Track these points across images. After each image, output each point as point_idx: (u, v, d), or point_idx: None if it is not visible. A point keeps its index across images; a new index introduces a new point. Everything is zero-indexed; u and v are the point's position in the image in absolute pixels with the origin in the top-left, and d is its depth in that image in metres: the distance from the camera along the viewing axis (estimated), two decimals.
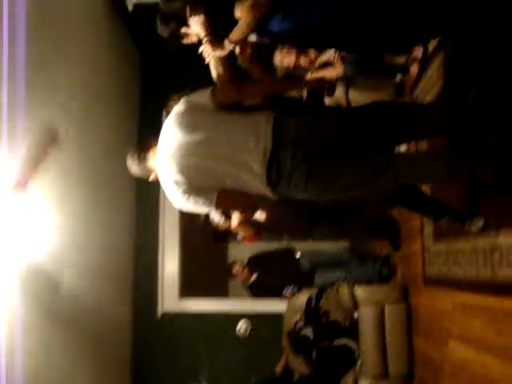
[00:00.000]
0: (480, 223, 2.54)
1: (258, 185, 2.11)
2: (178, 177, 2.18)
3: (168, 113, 2.54)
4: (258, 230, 4.44)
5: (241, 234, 4.45)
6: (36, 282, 3.42)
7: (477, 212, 2.56)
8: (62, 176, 3.75)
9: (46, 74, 3.55)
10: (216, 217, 4.15)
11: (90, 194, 4.22)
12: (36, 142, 3.28)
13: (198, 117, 2.23)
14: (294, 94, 4.35)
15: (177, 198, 2.23)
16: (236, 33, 2.28)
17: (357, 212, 4.32)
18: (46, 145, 3.39)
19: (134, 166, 2.45)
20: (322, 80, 2.44)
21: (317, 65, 3.78)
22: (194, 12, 2.35)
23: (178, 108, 2.28)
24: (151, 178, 2.44)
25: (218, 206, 2.18)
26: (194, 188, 2.17)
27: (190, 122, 2.21)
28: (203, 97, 2.26)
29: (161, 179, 2.31)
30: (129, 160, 2.46)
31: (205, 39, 2.42)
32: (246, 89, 2.25)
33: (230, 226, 4.26)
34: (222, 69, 2.33)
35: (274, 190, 2.11)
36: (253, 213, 2.42)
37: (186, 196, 2.18)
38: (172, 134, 2.24)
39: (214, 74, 2.40)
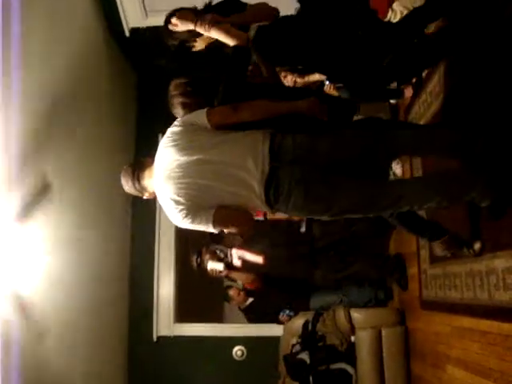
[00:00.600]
0: (477, 246, 2.54)
1: (256, 202, 2.13)
2: (176, 197, 2.18)
3: (172, 105, 2.80)
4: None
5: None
6: (32, 307, 3.39)
7: (477, 236, 2.56)
8: (57, 200, 3.75)
9: (43, 97, 3.57)
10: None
11: (85, 219, 4.21)
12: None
13: (194, 137, 2.23)
14: None
15: (176, 218, 2.23)
16: None
17: (360, 251, 4.38)
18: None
19: (128, 185, 2.44)
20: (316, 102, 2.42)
21: (307, 80, 3.85)
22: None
23: (174, 128, 2.29)
24: (145, 196, 2.44)
25: (215, 222, 2.16)
26: (192, 207, 2.17)
27: (186, 142, 2.22)
28: (199, 117, 2.26)
29: (159, 199, 2.31)
30: (123, 178, 2.45)
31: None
32: (243, 110, 2.24)
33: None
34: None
35: (272, 207, 2.15)
36: (248, 231, 2.40)
37: (185, 215, 2.18)
38: (168, 154, 2.23)
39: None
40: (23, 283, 3.32)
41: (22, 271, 3.30)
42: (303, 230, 4.48)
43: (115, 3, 4.78)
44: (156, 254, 5.48)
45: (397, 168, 4.12)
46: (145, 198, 2.47)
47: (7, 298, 3.15)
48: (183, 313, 5.66)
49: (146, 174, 2.37)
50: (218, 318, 6.25)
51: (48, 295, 3.57)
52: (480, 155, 2.13)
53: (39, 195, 3.42)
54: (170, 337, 5.40)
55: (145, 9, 4.94)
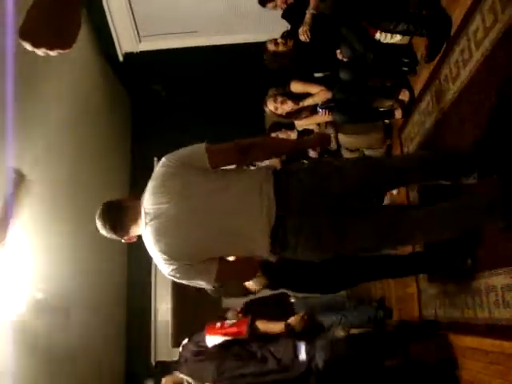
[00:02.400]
0: (469, 262, 2.56)
1: (260, 252, 1.98)
2: (166, 256, 1.92)
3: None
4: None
5: None
6: (27, 330, 3.35)
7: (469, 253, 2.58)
8: (52, 220, 3.73)
9: (37, 121, 3.58)
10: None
11: (80, 241, 4.18)
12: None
13: (189, 182, 1.93)
14: None
15: (168, 274, 1.99)
16: None
17: None
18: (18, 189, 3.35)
19: (105, 229, 2.05)
20: (321, 136, 2.44)
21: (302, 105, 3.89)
22: None
23: (165, 169, 1.96)
24: (124, 239, 2.11)
25: (217, 280, 1.95)
26: (184, 264, 1.92)
27: (179, 188, 1.92)
28: (196, 156, 1.96)
29: (150, 251, 2.00)
30: (98, 220, 2.06)
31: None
32: (251, 152, 2.02)
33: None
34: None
35: (278, 255, 2.02)
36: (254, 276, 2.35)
37: (176, 273, 1.94)
38: (160, 200, 1.92)
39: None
40: (19, 311, 3.29)
41: (16, 299, 3.27)
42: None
43: (108, 28, 4.83)
44: (153, 278, 5.44)
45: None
46: (123, 241, 2.13)
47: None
48: (181, 337, 5.60)
49: (131, 216, 2.00)
50: None
51: (44, 325, 3.53)
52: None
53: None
54: (168, 361, 5.33)
55: (138, 34, 5.00)
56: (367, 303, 4.65)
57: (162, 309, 5.47)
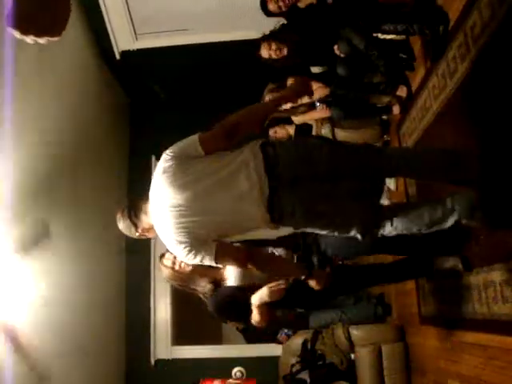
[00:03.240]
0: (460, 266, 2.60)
1: (260, 224, 2.08)
2: (177, 237, 2.10)
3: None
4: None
5: None
6: (26, 329, 3.35)
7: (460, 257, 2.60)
8: (50, 220, 3.73)
9: (35, 121, 3.57)
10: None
11: (79, 242, 4.19)
12: None
13: (187, 171, 2.11)
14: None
15: (180, 254, 2.16)
16: None
17: None
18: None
19: (125, 222, 2.33)
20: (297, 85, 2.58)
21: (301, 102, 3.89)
22: None
23: (166, 164, 2.15)
24: (139, 233, 2.35)
25: (217, 259, 2.11)
26: (194, 243, 2.10)
27: (180, 179, 2.10)
28: (191, 146, 2.15)
29: (159, 236, 2.20)
30: (118, 217, 2.35)
31: None
32: (240, 132, 2.18)
33: None
34: None
35: (279, 224, 2.10)
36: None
37: (189, 251, 2.11)
38: (164, 194, 2.13)
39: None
40: (19, 314, 3.29)
41: (18, 303, 3.28)
42: None
43: (105, 26, 4.81)
44: (152, 276, 5.44)
45: (390, 183, 4.14)
46: (137, 234, 2.36)
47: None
48: (181, 335, 5.61)
49: (143, 208, 2.28)
50: (216, 339, 6.19)
51: (44, 324, 3.53)
52: (475, 175, 2.15)
53: (36, 228, 3.41)
54: (168, 360, 5.35)
55: (135, 32, 4.98)
56: (366, 300, 4.65)
57: (162, 307, 5.48)
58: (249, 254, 2.23)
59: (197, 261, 2.14)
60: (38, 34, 1.10)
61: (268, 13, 3.64)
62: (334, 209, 2.09)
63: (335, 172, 2.11)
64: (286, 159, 2.06)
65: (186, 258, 2.15)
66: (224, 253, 2.14)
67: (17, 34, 1.08)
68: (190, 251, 2.10)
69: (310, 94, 2.49)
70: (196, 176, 2.10)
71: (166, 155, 2.17)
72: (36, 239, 3.39)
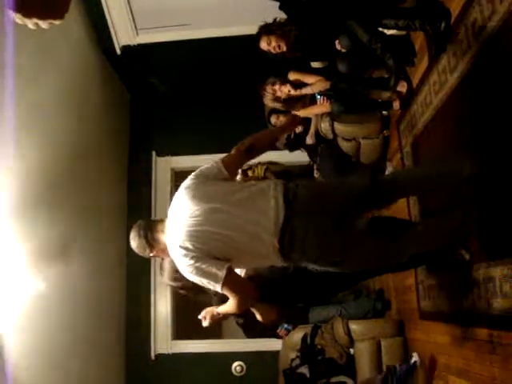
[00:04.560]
0: (467, 256, 2.58)
1: (268, 252, 2.11)
2: (186, 244, 2.11)
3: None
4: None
5: None
6: (27, 328, 3.36)
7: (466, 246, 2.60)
8: (49, 217, 3.73)
9: (36, 116, 3.57)
10: None
11: (79, 237, 4.19)
12: None
13: (209, 189, 2.23)
14: None
15: (184, 267, 2.13)
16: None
17: None
18: None
19: (139, 237, 2.34)
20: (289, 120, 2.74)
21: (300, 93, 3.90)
22: None
23: (188, 182, 2.27)
24: (153, 253, 2.37)
25: (225, 283, 2.06)
26: (202, 254, 2.09)
27: (201, 194, 2.20)
28: (214, 169, 2.29)
29: (170, 251, 2.23)
30: (133, 232, 2.37)
31: None
32: (257, 148, 2.38)
33: None
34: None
35: (286, 257, 2.13)
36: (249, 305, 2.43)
37: (195, 262, 2.08)
38: (183, 206, 2.21)
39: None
40: (18, 314, 3.30)
41: (16, 303, 3.29)
42: None
43: (106, 21, 4.81)
44: (153, 269, 5.45)
45: (389, 166, 4.15)
46: (151, 255, 2.39)
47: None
48: (181, 330, 5.62)
49: (159, 226, 2.31)
50: (216, 333, 6.21)
51: (44, 317, 3.55)
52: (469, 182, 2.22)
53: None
54: (168, 354, 5.36)
55: (135, 26, 4.97)
56: (366, 295, 4.67)
57: (162, 301, 5.48)
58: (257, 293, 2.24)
59: (196, 277, 2.10)
60: (41, 17, 1.05)
61: None
62: (345, 245, 2.12)
63: (349, 212, 2.19)
64: (304, 196, 2.15)
65: (187, 268, 2.11)
66: (234, 279, 2.12)
67: (18, 19, 1.04)
68: (196, 262, 2.08)
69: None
70: (217, 193, 2.21)
71: (191, 175, 2.30)
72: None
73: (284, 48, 3.65)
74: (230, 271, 2.08)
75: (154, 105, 5.92)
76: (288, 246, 2.07)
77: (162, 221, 2.33)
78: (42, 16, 1.04)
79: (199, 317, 2.52)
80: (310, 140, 4.44)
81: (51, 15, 1.06)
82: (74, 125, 4.26)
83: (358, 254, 2.17)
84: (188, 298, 2.88)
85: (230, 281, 2.08)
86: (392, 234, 2.33)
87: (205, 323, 2.49)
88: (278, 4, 3.67)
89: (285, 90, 3.94)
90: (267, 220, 2.08)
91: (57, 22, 1.07)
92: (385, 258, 2.27)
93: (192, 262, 2.08)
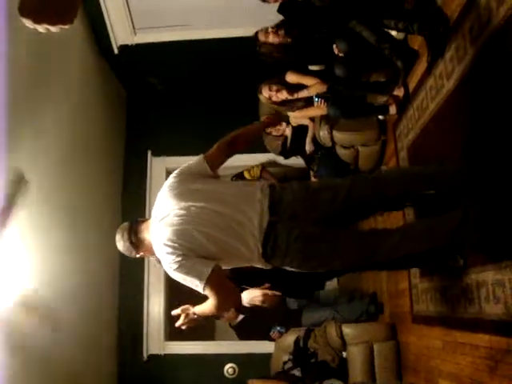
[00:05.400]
0: (461, 262, 2.58)
1: (252, 256, 2.12)
2: (172, 243, 2.10)
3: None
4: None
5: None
6: (15, 329, 3.34)
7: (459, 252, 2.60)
8: (43, 217, 3.72)
9: (31, 113, 3.56)
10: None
11: (72, 235, 4.17)
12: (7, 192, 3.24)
13: (193, 187, 2.23)
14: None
15: (169, 264, 2.11)
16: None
17: None
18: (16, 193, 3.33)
19: (123, 239, 2.34)
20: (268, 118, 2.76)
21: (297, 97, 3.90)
22: None
23: (171, 180, 2.28)
24: (140, 254, 2.37)
25: (208, 282, 2.02)
26: (188, 252, 2.08)
27: (185, 192, 2.21)
28: (196, 165, 2.30)
29: (155, 248, 2.22)
30: (118, 233, 2.35)
31: None
32: (237, 144, 2.40)
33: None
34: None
35: (268, 262, 2.14)
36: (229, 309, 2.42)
37: (181, 260, 2.07)
38: (167, 203, 2.21)
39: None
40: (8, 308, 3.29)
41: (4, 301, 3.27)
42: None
43: (103, 20, 4.80)
44: (146, 270, 5.44)
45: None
46: (138, 255, 2.40)
47: None
48: (174, 331, 5.60)
49: (144, 226, 2.31)
50: (209, 335, 6.20)
51: (33, 324, 3.52)
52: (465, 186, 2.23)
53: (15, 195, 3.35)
54: (160, 355, 5.35)
55: (133, 26, 4.97)
56: (359, 298, 4.68)
57: (155, 302, 5.47)
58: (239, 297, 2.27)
59: (181, 274, 2.08)
60: (51, 23, 1.08)
61: None
62: (331, 251, 2.11)
63: (333, 217, 2.18)
64: (290, 201, 2.14)
65: (175, 271, 2.09)
66: (219, 281, 2.08)
67: (29, 24, 1.07)
68: (182, 260, 2.06)
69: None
70: (201, 191, 2.22)
71: (174, 174, 2.31)
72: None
73: (282, 33, 3.66)
74: (217, 270, 2.05)
75: (151, 105, 5.92)
76: (271, 251, 2.08)
77: (145, 220, 2.33)
78: (52, 21, 1.08)
79: (173, 313, 2.44)
80: (308, 147, 4.45)
81: (61, 20, 1.09)
82: (69, 124, 4.25)
83: (343, 259, 2.15)
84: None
85: (215, 280, 2.04)
86: (383, 232, 2.34)
87: (178, 323, 2.40)
88: (275, 6, 3.68)
89: (281, 97, 3.94)
90: (251, 224, 2.09)
91: (66, 27, 1.10)
92: (369, 256, 2.19)
93: (178, 259, 2.07)
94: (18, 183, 3.32)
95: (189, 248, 2.09)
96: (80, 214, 4.35)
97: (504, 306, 2.17)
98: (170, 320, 5.53)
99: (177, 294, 5.52)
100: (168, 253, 2.11)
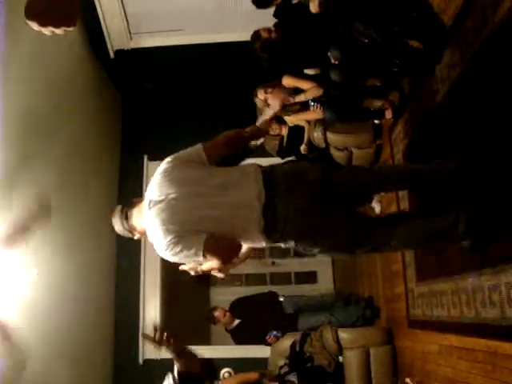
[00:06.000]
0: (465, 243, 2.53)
1: (252, 232, 2.14)
2: (167, 227, 2.12)
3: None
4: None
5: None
6: (15, 334, 3.33)
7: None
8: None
9: (25, 119, 3.55)
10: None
11: (69, 243, 4.16)
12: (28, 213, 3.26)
13: (188, 172, 2.24)
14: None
15: (163, 248, 2.14)
16: None
17: None
18: (37, 216, 3.36)
19: (117, 225, 2.36)
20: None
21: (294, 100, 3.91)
22: None
23: (165, 166, 2.26)
24: (136, 236, 2.38)
25: (205, 249, 2.07)
26: (183, 235, 2.11)
27: (180, 177, 2.22)
28: (195, 154, 2.28)
29: (148, 233, 2.24)
30: (112, 218, 2.37)
31: None
32: (236, 143, 2.41)
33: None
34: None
35: (269, 236, 2.16)
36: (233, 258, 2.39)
37: (175, 244, 2.10)
38: (163, 189, 2.20)
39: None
40: (6, 309, 3.27)
41: (5, 297, 3.25)
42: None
43: (99, 25, 4.80)
44: (142, 275, 5.42)
45: (376, 206, 4.17)
46: (135, 237, 2.40)
47: None
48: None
49: (135, 211, 2.31)
50: (204, 340, 6.19)
51: (31, 320, 3.51)
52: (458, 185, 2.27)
53: (26, 221, 3.38)
54: (156, 360, 5.32)
55: (129, 31, 4.98)
56: (355, 303, 4.68)
57: (151, 307, 5.45)
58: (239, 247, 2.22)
59: (182, 255, 2.13)
60: (56, 26, 1.12)
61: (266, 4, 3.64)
62: (326, 225, 2.17)
63: (327, 190, 2.21)
64: (281, 173, 2.23)
65: (171, 253, 2.13)
66: (216, 243, 2.11)
67: (34, 26, 1.10)
68: (176, 243, 2.10)
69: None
70: (196, 178, 2.22)
71: (168, 159, 2.29)
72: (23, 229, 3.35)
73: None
74: (210, 235, 2.09)
75: (147, 109, 5.91)
76: (271, 224, 2.11)
77: (139, 202, 2.32)
78: (57, 24, 1.12)
79: (180, 268, 2.38)
80: (303, 148, 4.46)
81: (65, 23, 1.13)
82: (65, 129, 4.24)
83: (336, 236, 2.20)
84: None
85: (211, 241, 2.09)
86: (383, 221, 2.39)
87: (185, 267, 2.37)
88: (269, 11, 3.69)
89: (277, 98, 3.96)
90: (250, 203, 2.12)
91: (70, 29, 1.14)
92: (361, 242, 2.28)
93: (174, 240, 2.10)
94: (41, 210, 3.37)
95: (183, 234, 2.11)
96: (75, 219, 4.33)
97: (500, 310, 2.18)
98: (166, 324, 5.53)
99: (172, 299, 5.52)
100: (162, 237, 2.13)
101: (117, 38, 4.98)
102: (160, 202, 2.17)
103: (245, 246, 2.28)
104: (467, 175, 2.27)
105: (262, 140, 2.69)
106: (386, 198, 4.03)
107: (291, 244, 2.21)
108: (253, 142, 2.57)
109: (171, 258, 2.17)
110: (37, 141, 3.70)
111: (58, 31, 1.13)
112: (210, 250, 2.09)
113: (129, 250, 5.35)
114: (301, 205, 2.13)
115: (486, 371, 2.33)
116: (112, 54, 5.07)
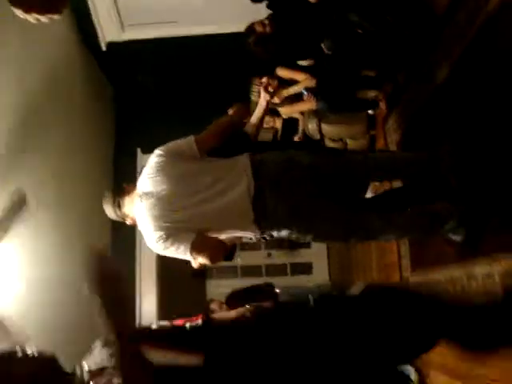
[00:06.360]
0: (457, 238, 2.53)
1: (245, 223, 2.17)
2: (161, 223, 2.16)
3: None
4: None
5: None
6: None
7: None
8: (32, 218, 3.69)
9: (17, 112, 3.53)
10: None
11: (62, 237, 4.15)
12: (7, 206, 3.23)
13: (179, 167, 2.24)
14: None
15: (154, 241, 2.19)
16: None
17: None
18: (16, 208, 3.33)
19: (109, 211, 2.39)
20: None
21: (286, 94, 3.89)
22: None
23: (157, 159, 2.26)
24: (128, 222, 2.41)
25: (192, 248, 2.13)
26: (174, 230, 2.14)
27: (172, 173, 2.22)
28: (183, 145, 2.29)
29: (139, 224, 2.27)
30: (104, 204, 2.40)
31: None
32: (227, 134, 2.43)
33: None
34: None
35: (260, 226, 2.18)
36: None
37: (166, 239, 2.15)
38: (154, 184, 2.21)
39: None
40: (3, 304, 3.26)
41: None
42: None
43: (91, 17, 4.77)
44: (137, 270, 5.42)
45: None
46: (128, 223, 2.42)
47: None
48: None
49: (127, 200, 2.33)
50: None
51: (23, 318, 3.50)
52: (447, 174, 2.27)
53: (15, 213, 3.35)
54: None
55: (121, 23, 4.94)
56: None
57: (148, 303, 5.45)
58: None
59: (170, 250, 2.16)
60: (40, 13, 1.12)
61: None
62: (315, 211, 2.18)
63: (315, 176, 2.22)
64: (271, 161, 2.23)
65: (161, 248, 2.17)
66: (203, 243, 2.15)
67: (19, 13, 1.10)
68: (166, 238, 2.14)
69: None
70: (188, 171, 2.23)
71: (159, 151, 2.28)
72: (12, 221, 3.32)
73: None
74: (199, 234, 2.13)
75: (140, 102, 5.89)
76: (262, 213, 2.13)
77: (131, 190, 2.32)
78: (42, 11, 1.13)
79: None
80: (297, 139, 4.45)
81: (50, 10, 1.14)
82: (58, 122, 4.22)
83: (327, 221, 2.20)
84: None
85: (199, 240, 2.13)
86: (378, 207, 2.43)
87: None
88: (264, 3, 3.68)
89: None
90: (240, 191, 2.14)
91: (56, 17, 1.15)
92: (352, 228, 2.27)
93: (164, 236, 2.14)
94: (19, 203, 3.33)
95: (174, 229, 2.15)
96: (69, 213, 4.32)
97: (494, 298, 2.18)
98: (163, 317, 5.53)
99: (169, 292, 5.53)
100: (153, 232, 2.17)
101: (109, 29, 4.96)
102: (152, 196, 2.19)
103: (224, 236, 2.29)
104: (459, 163, 2.27)
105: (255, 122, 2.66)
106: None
107: (284, 233, 2.21)
108: (248, 128, 2.58)
109: (161, 251, 2.21)
110: (28, 134, 3.68)
111: (43, 19, 1.14)
112: (197, 249, 2.13)
113: (123, 244, 5.35)
114: (289, 192, 2.14)
115: (478, 357, 2.34)
116: (104, 47, 5.04)
